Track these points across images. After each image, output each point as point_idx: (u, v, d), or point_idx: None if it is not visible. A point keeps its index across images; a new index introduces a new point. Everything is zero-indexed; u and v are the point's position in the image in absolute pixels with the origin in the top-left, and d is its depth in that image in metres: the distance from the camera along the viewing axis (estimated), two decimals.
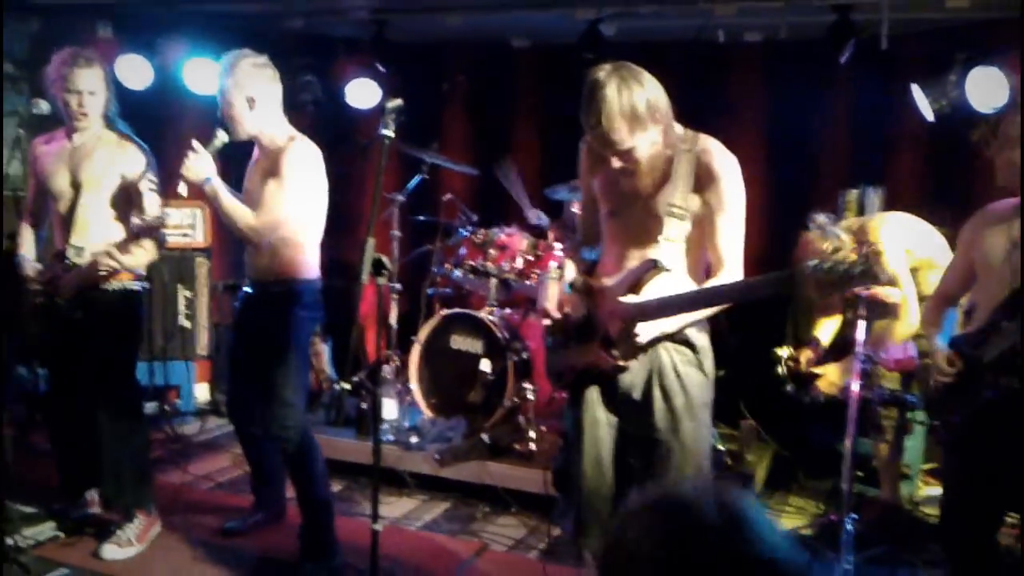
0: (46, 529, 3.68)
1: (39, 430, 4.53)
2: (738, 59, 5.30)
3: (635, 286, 2.45)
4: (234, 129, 3.34)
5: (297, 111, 5.31)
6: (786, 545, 0.93)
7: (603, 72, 2.37)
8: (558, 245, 4.71)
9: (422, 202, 5.32)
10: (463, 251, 4.89)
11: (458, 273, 4.85)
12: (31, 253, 3.67)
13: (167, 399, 5.46)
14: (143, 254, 3.46)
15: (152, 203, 3.49)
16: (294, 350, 3.42)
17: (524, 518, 4.07)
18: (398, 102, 2.74)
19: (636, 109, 2.35)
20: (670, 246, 2.48)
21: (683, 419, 2.55)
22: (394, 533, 3.82)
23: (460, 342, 4.64)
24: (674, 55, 4.94)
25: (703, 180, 2.48)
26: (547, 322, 2.73)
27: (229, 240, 5.15)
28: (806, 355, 4.16)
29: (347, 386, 4.52)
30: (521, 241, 4.77)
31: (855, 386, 3.40)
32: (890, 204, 4.41)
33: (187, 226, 5.42)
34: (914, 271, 3.83)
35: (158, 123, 5.13)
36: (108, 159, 3.50)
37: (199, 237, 5.51)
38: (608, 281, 2.60)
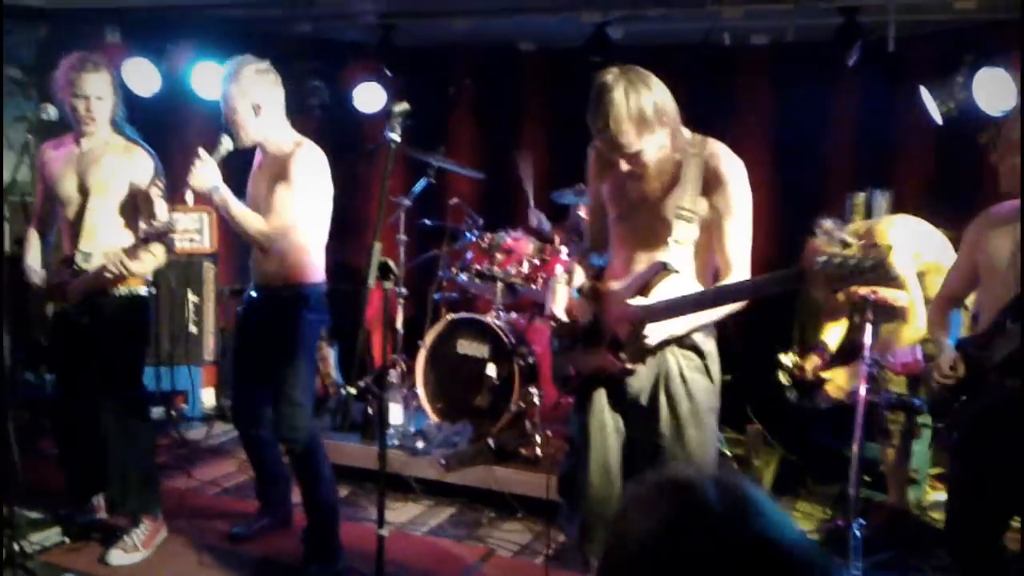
0: (52, 534, 3.69)
1: (46, 435, 4.54)
2: (745, 62, 5.30)
3: (644, 289, 2.45)
4: (239, 136, 3.34)
5: (304, 115, 5.34)
6: (791, 527, 0.91)
7: (611, 75, 2.37)
8: (564, 249, 4.70)
9: (428, 206, 5.32)
10: (469, 255, 4.88)
11: (464, 277, 4.85)
12: (38, 258, 3.68)
13: (174, 404, 5.47)
14: (151, 259, 3.47)
15: (160, 208, 3.50)
16: (303, 352, 3.44)
17: (530, 523, 4.06)
18: (404, 106, 2.74)
19: (644, 112, 2.34)
20: (679, 248, 2.47)
21: (687, 425, 2.54)
22: (400, 538, 3.82)
23: (466, 346, 4.64)
24: (681, 58, 4.93)
25: (711, 184, 2.47)
26: (554, 326, 2.72)
27: (236, 245, 5.16)
28: (812, 362, 4.14)
29: (353, 391, 4.51)
30: (527, 245, 4.76)
31: (862, 390, 3.39)
32: (898, 207, 4.40)
33: (194, 231, 5.43)
34: (921, 275, 3.82)
35: (166, 128, 5.15)
36: (116, 164, 3.51)
37: (206, 242, 5.52)
38: (615, 285, 2.59)
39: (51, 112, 3.38)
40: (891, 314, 3.87)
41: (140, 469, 3.64)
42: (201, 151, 3.25)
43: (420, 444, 4.44)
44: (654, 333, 2.42)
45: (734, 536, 0.88)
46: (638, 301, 2.44)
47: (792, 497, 4.47)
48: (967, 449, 2.83)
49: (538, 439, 4.34)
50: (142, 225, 3.48)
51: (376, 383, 4.83)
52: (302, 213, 3.34)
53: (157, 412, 5.22)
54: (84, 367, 3.54)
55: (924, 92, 4.26)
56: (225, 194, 3.28)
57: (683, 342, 2.54)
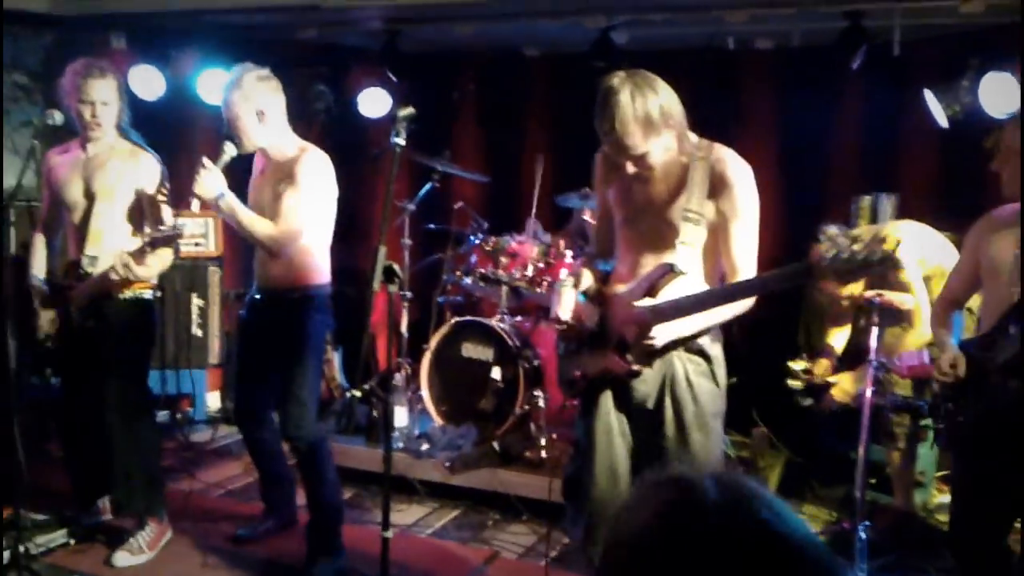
0: (58, 536, 3.70)
1: (52, 438, 4.55)
2: (749, 66, 5.30)
3: (651, 290, 2.45)
4: (243, 142, 3.36)
5: (309, 120, 5.36)
6: (794, 521, 0.90)
7: (617, 79, 2.38)
8: (569, 253, 4.71)
9: (433, 210, 5.33)
10: (474, 259, 4.89)
11: (469, 281, 4.85)
12: (42, 266, 3.69)
13: (179, 407, 5.48)
14: (157, 263, 3.48)
15: (166, 213, 3.52)
16: (311, 353, 3.47)
17: (535, 526, 4.06)
18: (409, 110, 2.75)
19: (650, 115, 2.35)
20: (686, 250, 2.47)
21: (693, 429, 2.54)
22: (404, 540, 3.82)
23: (471, 350, 4.64)
24: (685, 63, 4.93)
25: (717, 187, 2.48)
26: (560, 328, 2.72)
27: (241, 249, 5.17)
28: (822, 365, 4.14)
29: (358, 394, 4.51)
30: (532, 249, 4.76)
31: (868, 393, 3.38)
32: (903, 211, 4.40)
33: (199, 235, 5.45)
34: (926, 280, 3.82)
35: (171, 133, 5.17)
36: (122, 169, 3.53)
37: (211, 246, 5.54)
38: (622, 288, 2.59)
39: (57, 117, 3.40)
40: (896, 317, 3.87)
41: (145, 472, 3.65)
42: (205, 160, 3.26)
43: (425, 447, 4.44)
44: (661, 334, 2.42)
45: (731, 528, 0.87)
46: (645, 302, 2.44)
47: (798, 500, 4.45)
48: (970, 451, 2.83)
49: (543, 442, 4.34)
50: (148, 229, 3.50)
51: (381, 386, 4.84)
52: (310, 216, 3.36)
53: (162, 415, 5.25)
54: (90, 370, 3.55)
55: (929, 96, 4.26)
56: (232, 201, 3.30)
57: (690, 346, 2.54)
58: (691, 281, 2.48)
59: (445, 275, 5.09)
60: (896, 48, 4.34)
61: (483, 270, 4.77)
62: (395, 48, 5.20)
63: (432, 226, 5.32)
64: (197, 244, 5.43)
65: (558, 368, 2.84)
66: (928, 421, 3.82)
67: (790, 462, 4.67)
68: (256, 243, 3.40)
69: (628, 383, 2.57)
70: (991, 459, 2.72)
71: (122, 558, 3.55)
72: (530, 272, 4.70)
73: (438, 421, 4.66)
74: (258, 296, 3.58)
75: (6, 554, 3.31)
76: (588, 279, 2.70)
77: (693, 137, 2.53)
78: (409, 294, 4.83)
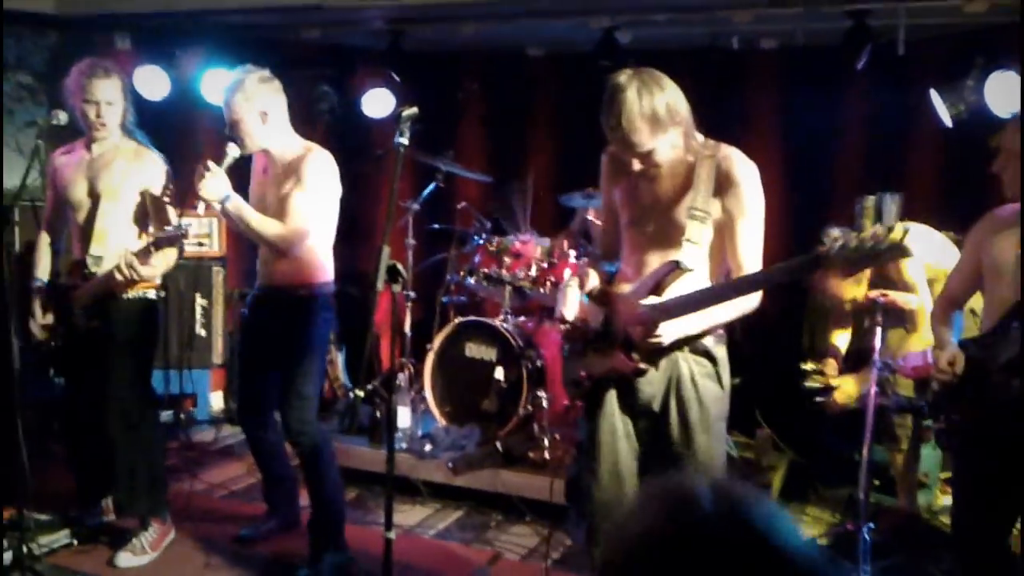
0: (61, 537, 3.70)
1: (55, 438, 4.56)
2: (754, 66, 5.29)
3: (657, 288, 2.45)
4: (246, 144, 3.36)
5: (313, 121, 5.36)
6: (790, 530, 0.90)
7: (624, 76, 2.38)
8: (572, 253, 4.70)
9: (437, 210, 5.33)
10: (477, 259, 4.89)
11: (472, 281, 4.85)
12: (47, 264, 3.70)
13: (182, 407, 5.48)
14: (161, 263, 3.49)
15: (171, 213, 3.52)
16: (316, 350, 3.50)
17: (538, 527, 4.05)
18: (413, 110, 2.74)
19: (656, 111, 2.35)
20: (692, 248, 2.47)
21: (698, 431, 2.54)
22: (407, 541, 3.82)
23: (474, 350, 4.64)
24: (690, 62, 4.92)
25: (723, 186, 2.47)
26: (564, 329, 2.72)
27: (244, 249, 5.18)
28: (831, 365, 4.13)
29: (361, 394, 4.51)
30: (535, 249, 4.76)
31: (872, 394, 3.38)
32: (908, 210, 4.38)
33: (203, 235, 5.45)
34: (930, 283, 3.81)
35: (176, 133, 5.18)
36: (127, 169, 3.53)
37: (215, 246, 5.54)
38: (627, 287, 2.59)
39: (61, 117, 3.40)
40: (900, 318, 3.86)
41: (149, 472, 3.65)
42: (210, 162, 3.26)
43: (428, 447, 4.43)
44: (668, 332, 2.41)
45: (728, 538, 0.88)
46: (651, 300, 2.44)
47: (801, 502, 4.45)
48: (970, 451, 2.82)
49: (546, 443, 4.34)
50: (152, 229, 3.50)
51: (384, 386, 4.86)
52: (317, 215, 3.39)
53: (166, 415, 5.25)
54: (93, 370, 3.55)
55: (934, 95, 4.25)
56: (238, 203, 3.31)
57: (695, 347, 2.54)
58: (697, 279, 2.48)
59: (449, 275, 5.09)
60: (901, 48, 4.32)
61: (487, 270, 4.77)
62: (399, 48, 5.20)
63: (436, 226, 5.32)
64: (201, 244, 5.43)
65: (563, 369, 2.83)
66: (929, 421, 3.82)
67: (794, 463, 4.67)
68: (264, 243, 3.40)
69: (633, 385, 2.56)
70: (992, 459, 2.71)
71: (125, 559, 3.55)
72: (533, 272, 4.70)
73: (441, 421, 4.65)
74: (262, 295, 3.58)
75: (9, 554, 3.32)
76: (594, 279, 2.69)
77: (699, 136, 2.53)
78: (412, 294, 4.83)
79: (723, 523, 0.89)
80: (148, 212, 3.54)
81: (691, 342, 2.52)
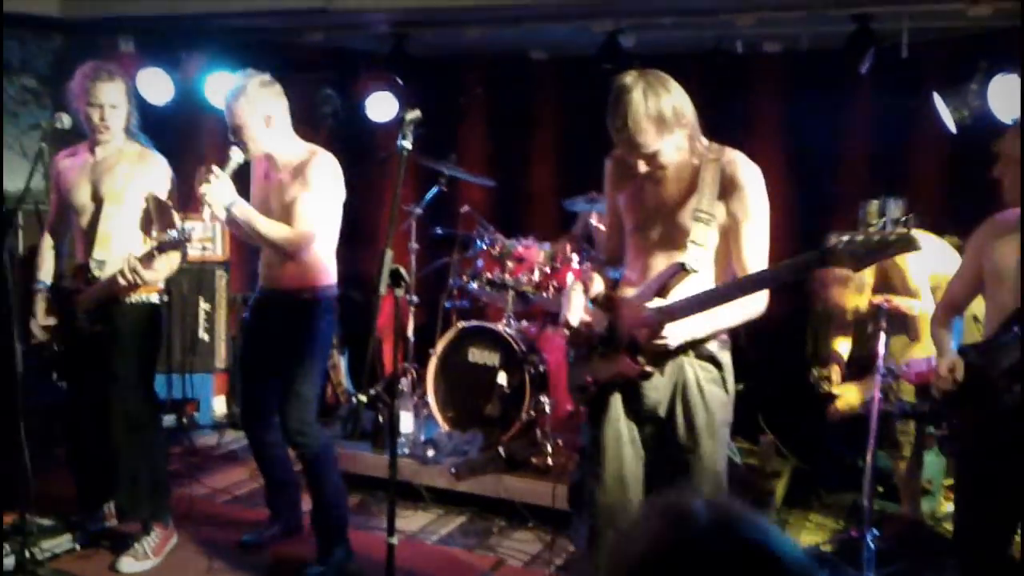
0: (64, 541, 3.70)
1: (58, 442, 4.55)
2: (757, 70, 5.28)
3: (662, 290, 2.44)
4: (249, 148, 3.37)
5: (316, 124, 5.36)
6: (782, 539, 0.93)
7: (630, 77, 2.38)
8: (575, 257, 4.69)
9: (440, 214, 5.32)
10: (480, 263, 4.88)
11: (475, 285, 4.84)
12: (50, 267, 3.70)
13: (185, 412, 5.48)
14: (165, 267, 3.49)
15: (175, 217, 3.52)
16: (317, 353, 3.51)
17: (541, 533, 4.05)
18: (416, 114, 2.75)
19: (662, 113, 2.35)
20: (697, 250, 2.46)
21: (703, 436, 2.53)
22: (410, 547, 3.81)
23: (477, 355, 4.63)
24: (693, 66, 4.92)
25: (727, 189, 2.47)
26: (569, 335, 2.71)
27: (248, 253, 5.18)
28: (835, 371, 4.12)
29: (364, 399, 4.51)
30: (538, 253, 4.75)
31: (876, 400, 3.37)
32: (911, 214, 4.36)
33: (206, 239, 5.45)
34: (934, 291, 3.80)
35: (180, 137, 5.18)
36: (130, 172, 3.53)
37: (218, 250, 5.55)
38: (631, 291, 2.58)
39: (65, 121, 3.41)
40: (903, 324, 3.85)
41: (151, 476, 3.64)
42: (215, 168, 3.26)
43: (430, 452, 4.43)
44: (673, 334, 2.40)
45: (721, 550, 0.90)
46: (656, 303, 2.43)
47: (805, 508, 4.44)
48: (973, 457, 2.81)
49: (549, 448, 4.32)
50: (156, 233, 3.50)
51: (387, 391, 4.84)
52: (323, 217, 3.41)
53: (168, 420, 5.24)
54: (96, 374, 3.55)
55: (938, 99, 4.24)
56: (244, 207, 3.31)
57: (700, 352, 2.53)
58: (702, 283, 2.46)
59: (451, 279, 5.08)
60: (904, 51, 4.32)
61: (490, 275, 4.76)
62: (402, 52, 5.20)
63: (439, 230, 5.31)
64: (204, 248, 5.44)
65: (568, 374, 2.82)
66: (931, 428, 3.81)
67: (797, 470, 4.65)
68: (272, 247, 3.41)
69: (639, 390, 2.55)
70: (993, 465, 2.70)
71: (127, 564, 3.55)
72: (536, 277, 4.68)
73: (444, 427, 4.65)
74: (264, 297, 3.58)
75: (12, 559, 3.32)
76: (598, 284, 2.67)
77: (704, 140, 2.52)
78: (415, 298, 4.83)
79: (718, 535, 0.91)
80: (152, 216, 3.54)
81: (697, 346, 2.51)
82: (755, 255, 2.49)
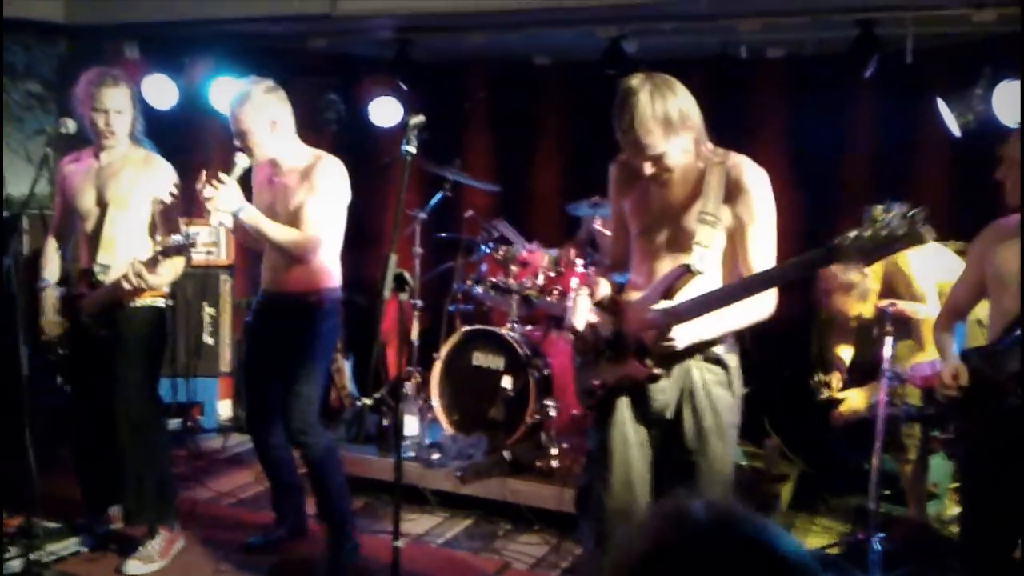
0: (70, 544, 3.70)
1: (63, 445, 4.56)
2: (761, 75, 5.29)
3: (668, 292, 2.44)
4: (255, 153, 3.39)
5: (320, 130, 5.38)
6: (783, 537, 0.93)
7: (636, 79, 2.39)
8: (579, 261, 4.70)
9: (444, 219, 5.33)
10: (484, 268, 4.89)
11: (479, 290, 4.85)
12: (56, 269, 3.71)
13: (190, 415, 5.49)
14: (169, 272, 3.50)
15: (179, 221, 3.54)
16: (322, 355, 3.55)
17: (546, 536, 4.04)
18: (420, 118, 2.76)
19: (669, 114, 2.35)
20: (703, 251, 2.45)
21: (712, 438, 2.52)
22: (415, 550, 3.81)
23: (481, 359, 4.63)
24: (697, 72, 4.91)
25: (733, 192, 2.47)
26: (575, 338, 2.71)
27: (252, 258, 5.18)
28: (836, 378, 4.12)
29: (369, 402, 4.52)
30: (542, 258, 4.76)
31: (881, 404, 3.37)
32: None
33: (211, 244, 5.46)
34: (940, 297, 3.80)
35: (184, 142, 5.19)
36: (135, 177, 3.54)
37: (223, 255, 5.56)
38: (636, 295, 2.58)
39: (70, 126, 3.42)
40: (908, 329, 3.84)
41: (156, 480, 3.65)
42: (222, 175, 3.27)
43: (435, 456, 4.43)
44: (681, 335, 2.39)
45: (719, 546, 0.91)
46: (662, 305, 2.43)
47: (811, 512, 4.43)
48: (977, 461, 2.81)
49: (553, 451, 4.32)
50: (160, 238, 3.51)
51: (391, 395, 4.85)
52: (331, 221, 3.44)
53: (173, 423, 5.25)
54: (101, 378, 3.56)
55: (942, 104, 4.24)
56: (253, 212, 3.33)
57: (707, 355, 2.53)
58: (709, 286, 2.45)
59: (456, 284, 5.09)
60: (909, 56, 4.32)
61: (494, 279, 4.76)
62: (406, 57, 5.21)
63: (443, 235, 5.32)
64: (209, 253, 5.45)
65: (575, 379, 2.81)
66: (936, 432, 3.81)
67: (803, 473, 4.65)
68: (281, 251, 3.42)
69: (646, 393, 2.55)
70: (998, 468, 2.70)
71: (134, 566, 3.55)
72: (541, 281, 4.69)
73: (449, 430, 4.65)
74: (268, 301, 3.60)
75: (19, 562, 3.32)
76: (604, 288, 2.67)
77: (709, 144, 2.52)
78: (420, 303, 4.83)
79: (718, 532, 0.93)
80: (156, 221, 3.56)
81: (704, 349, 2.51)
82: (762, 258, 2.48)
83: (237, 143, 3.37)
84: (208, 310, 5.50)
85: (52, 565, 3.46)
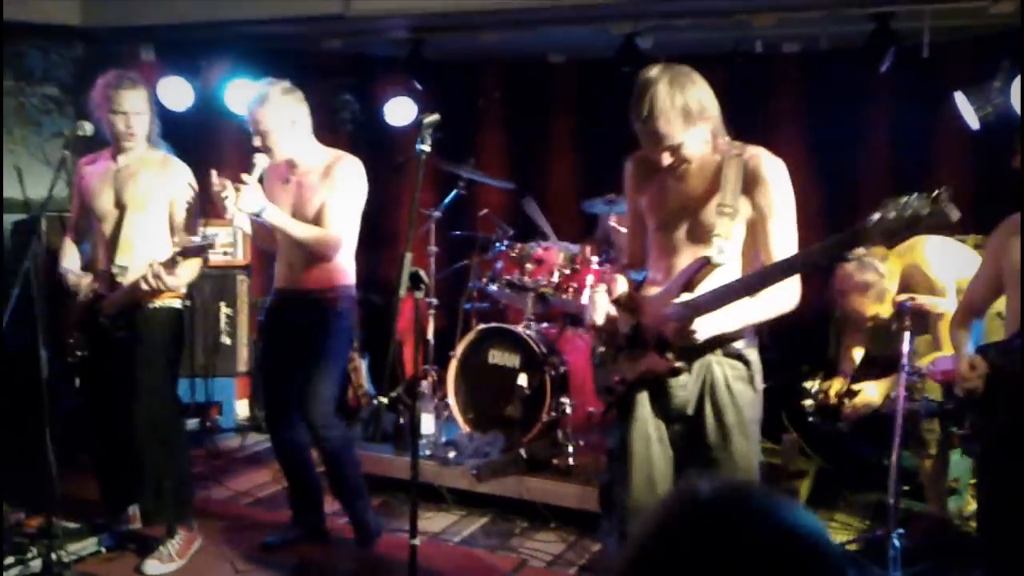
0: (89, 544, 3.72)
1: (82, 446, 4.60)
2: (777, 70, 5.26)
3: (688, 285, 2.42)
4: (274, 153, 3.42)
5: (335, 130, 5.39)
6: (786, 508, 0.91)
7: (655, 70, 2.38)
8: (595, 259, 4.69)
9: (459, 217, 5.34)
10: (500, 265, 4.88)
11: (495, 287, 4.85)
12: (76, 262, 3.74)
13: (208, 415, 5.52)
14: (187, 273, 3.52)
15: (197, 223, 3.57)
16: (339, 350, 3.61)
17: (563, 533, 4.04)
18: (435, 117, 2.76)
19: (687, 105, 2.35)
20: (722, 243, 2.43)
21: (734, 434, 2.50)
22: (432, 548, 3.81)
23: (497, 357, 4.63)
24: (711, 67, 4.88)
25: (750, 184, 2.45)
26: (594, 335, 2.70)
27: (268, 258, 5.20)
28: (836, 385, 4.09)
29: (385, 401, 4.53)
30: (558, 255, 4.75)
31: (900, 399, 3.34)
32: None
33: (228, 245, 5.49)
34: (959, 294, 3.77)
35: (200, 143, 5.22)
36: (153, 179, 3.56)
37: (239, 255, 5.58)
38: (655, 291, 2.57)
39: (87, 129, 3.44)
40: (926, 324, 3.81)
41: (175, 480, 3.67)
42: (244, 176, 3.30)
43: (452, 454, 4.43)
44: (702, 328, 2.36)
45: (725, 519, 0.90)
46: (683, 298, 2.41)
47: (830, 508, 4.40)
48: (995, 456, 2.78)
49: (570, 449, 4.32)
50: (178, 239, 3.53)
51: (408, 393, 4.86)
52: (351, 219, 3.50)
53: (191, 423, 5.28)
54: (119, 379, 3.58)
55: (960, 97, 4.21)
56: (276, 211, 3.37)
57: (728, 350, 2.51)
58: (730, 278, 2.42)
59: (471, 282, 5.09)
60: (925, 50, 4.29)
61: (509, 276, 4.76)
62: (420, 56, 5.22)
63: (458, 233, 5.33)
64: (226, 253, 5.48)
65: (594, 376, 2.80)
66: (954, 427, 3.78)
67: (822, 469, 4.62)
68: (305, 249, 3.45)
69: (667, 389, 2.53)
70: (1015, 464, 2.67)
71: (152, 566, 3.57)
72: (556, 278, 4.68)
73: (465, 428, 4.65)
74: (284, 299, 3.63)
75: (38, 562, 3.35)
76: (622, 285, 2.66)
77: (726, 136, 2.51)
78: (435, 301, 4.84)
79: (721, 504, 0.92)
80: (174, 222, 3.58)
81: (724, 344, 2.49)
82: (783, 247, 2.45)
83: (256, 143, 3.39)
84: (225, 310, 5.53)
85: (72, 565, 3.49)
